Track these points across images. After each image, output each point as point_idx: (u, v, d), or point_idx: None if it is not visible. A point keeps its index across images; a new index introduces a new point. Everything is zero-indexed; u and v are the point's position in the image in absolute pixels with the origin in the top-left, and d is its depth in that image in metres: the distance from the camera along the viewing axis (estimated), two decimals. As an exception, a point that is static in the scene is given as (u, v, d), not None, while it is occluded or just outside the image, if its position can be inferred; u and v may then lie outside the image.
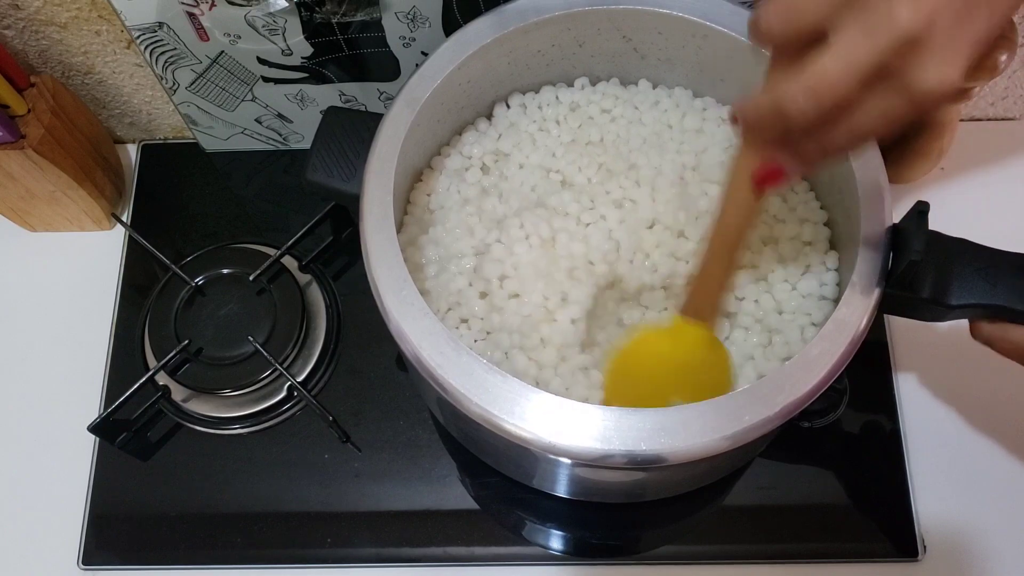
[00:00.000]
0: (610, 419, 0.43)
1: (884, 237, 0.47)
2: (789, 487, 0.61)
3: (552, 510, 0.61)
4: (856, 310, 0.45)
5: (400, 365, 0.65)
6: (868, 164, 0.48)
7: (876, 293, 0.45)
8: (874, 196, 0.48)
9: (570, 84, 0.59)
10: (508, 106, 0.58)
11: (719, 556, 0.60)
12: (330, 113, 0.54)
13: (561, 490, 0.57)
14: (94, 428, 0.62)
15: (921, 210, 0.44)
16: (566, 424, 0.43)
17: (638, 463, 0.43)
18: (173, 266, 0.65)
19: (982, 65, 0.56)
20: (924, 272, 0.45)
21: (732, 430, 0.42)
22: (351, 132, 0.53)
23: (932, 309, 0.46)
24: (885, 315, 0.66)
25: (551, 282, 0.52)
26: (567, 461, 0.45)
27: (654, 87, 0.58)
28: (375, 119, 0.51)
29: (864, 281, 0.46)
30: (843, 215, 0.52)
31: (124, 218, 0.73)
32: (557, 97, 0.58)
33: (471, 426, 0.46)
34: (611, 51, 0.57)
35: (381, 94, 0.67)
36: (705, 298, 0.48)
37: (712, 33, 0.52)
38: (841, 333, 0.45)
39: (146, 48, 0.62)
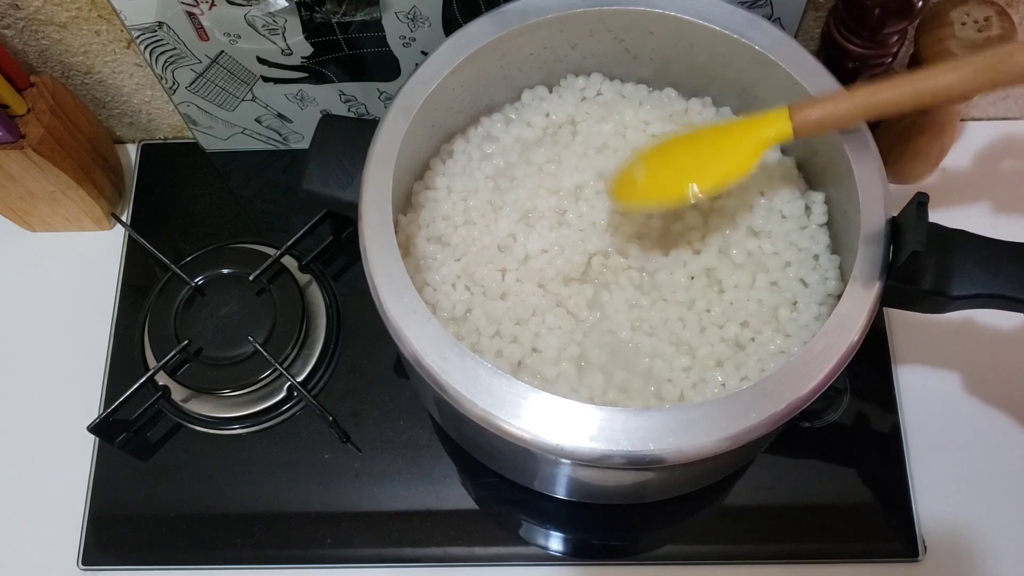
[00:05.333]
0: (610, 419, 0.43)
1: (884, 230, 0.47)
2: (789, 487, 0.61)
3: (552, 510, 0.61)
4: (859, 304, 0.45)
5: (399, 372, 0.65)
6: (865, 157, 0.48)
7: (878, 286, 0.45)
8: (872, 189, 0.48)
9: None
10: (507, 107, 0.58)
11: (719, 556, 0.60)
12: (325, 121, 0.54)
13: (561, 492, 0.57)
14: (94, 428, 0.62)
15: (921, 201, 0.44)
16: (566, 424, 0.43)
17: (637, 463, 0.43)
18: (173, 266, 0.65)
19: (982, 65, 0.56)
20: (925, 264, 0.46)
21: (737, 428, 0.43)
22: (346, 140, 0.53)
23: (933, 300, 0.46)
24: (885, 316, 0.66)
25: (545, 284, 0.52)
26: (567, 462, 0.45)
27: (649, 89, 0.58)
28: (370, 126, 0.51)
29: (865, 274, 0.46)
30: (840, 210, 0.52)
31: (124, 218, 0.73)
32: (560, 96, 0.58)
33: (471, 428, 0.46)
34: (603, 52, 0.56)
35: (381, 94, 0.67)
36: (828, 117, 0.46)
37: (706, 32, 0.52)
38: (845, 328, 0.45)
39: (146, 48, 0.62)
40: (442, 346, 0.45)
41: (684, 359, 0.50)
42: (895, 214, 0.48)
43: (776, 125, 0.47)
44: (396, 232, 0.48)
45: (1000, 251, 0.46)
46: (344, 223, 0.68)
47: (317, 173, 0.52)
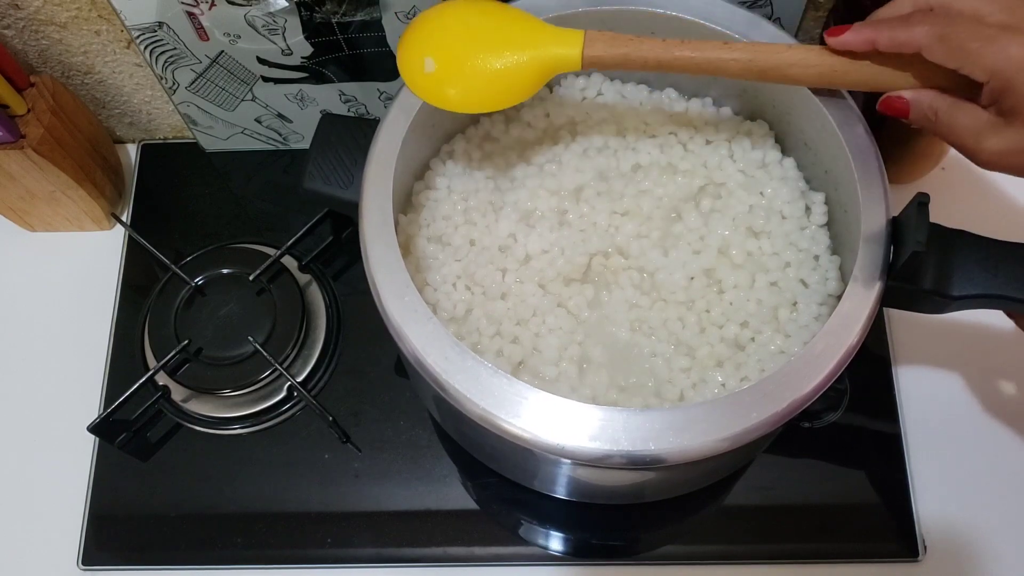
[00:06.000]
0: (610, 419, 0.43)
1: (885, 230, 0.47)
2: (789, 487, 0.61)
3: (552, 510, 0.61)
4: (860, 304, 0.45)
5: (399, 372, 0.65)
6: (867, 157, 0.49)
7: (879, 286, 0.46)
8: (873, 189, 0.48)
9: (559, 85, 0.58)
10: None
11: (719, 556, 0.60)
12: (326, 120, 0.54)
13: (561, 491, 0.57)
14: (94, 428, 0.62)
15: (921, 201, 0.44)
16: (566, 424, 0.43)
17: (638, 463, 0.43)
18: (173, 266, 0.65)
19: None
20: (926, 264, 0.46)
21: (737, 428, 0.43)
22: (347, 139, 0.53)
23: (933, 301, 0.47)
24: (885, 316, 0.66)
25: (546, 281, 0.52)
26: (567, 461, 0.45)
27: (649, 89, 0.58)
28: (371, 125, 0.51)
29: (866, 274, 0.46)
30: (841, 210, 0.52)
31: (124, 218, 0.73)
32: (560, 97, 0.58)
33: (472, 427, 0.46)
34: None
35: (381, 94, 0.67)
36: (622, 60, 0.46)
37: (706, 32, 0.52)
38: (845, 328, 0.45)
39: (146, 48, 0.62)
40: (443, 345, 0.45)
41: (684, 360, 0.50)
42: (896, 214, 0.48)
43: (567, 50, 0.47)
44: (396, 232, 0.48)
45: (1000, 251, 0.46)
46: (344, 223, 0.68)
47: (318, 172, 0.53)
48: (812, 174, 0.55)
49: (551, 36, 0.48)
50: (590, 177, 0.55)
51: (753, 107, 0.56)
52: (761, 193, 0.54)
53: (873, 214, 0.47)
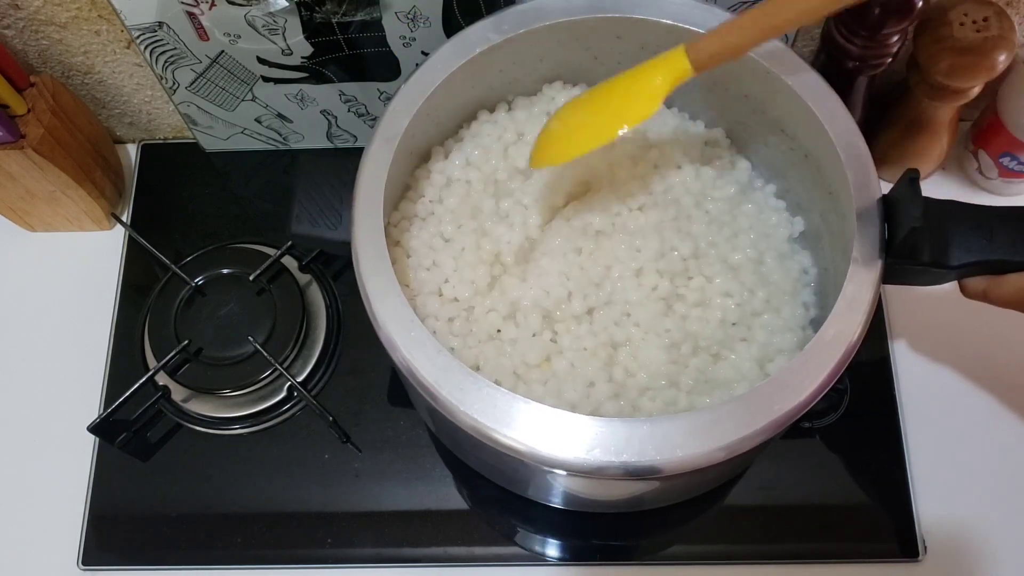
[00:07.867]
0: (605, 429, 0.42)
1: (877, 209, 0.47)
2: (789, 487, 0.61)
3: (552, 511, 0.61)
4: (864, 284, 0.45)
5: (391, 400, 0.65)
6: (849, 138, 0.48)
7: (879, 265, 0.45)
8: (860, 169, 0.48)
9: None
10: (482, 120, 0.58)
11: (720, 556, 0.60)
12: (306, 160, 0.53)
13: (556, 502, 0.57)
14: (94, 428, 0.62)
15: (912, 176, 0.44)
16: (560, 434, 0.42)
17: (635, 474, 0.42)
18: (173, 266, 0.65)
19: (980, 65, 0.56)
20: (923, 238, 0.45)
21: (742, 431, 0.42)
22: (330, 176, 0.52)
23: (933, 273, 0.46)
24: (885, 316, 0.66)
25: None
26: (562, 473, 0.45)
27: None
28: (352, 157, 0.50)
29: (866, 255, 0.45)
30: (825, 192, 0.51)
31: (124, 218, 0.73)
32: (548, 111, 0.58)
33: (467, 440, 0.45)
34: (574, 63, 0.56)
35: (381, 94, 0.67)
36: (721, 50, 0.46)
37: (688, 36, 0.52)
38: (853, 310, 0.44)
39: (146, 48, 0.62)
40: (456, 377, 0.44)
41: (673, 388, 0.50)
42: (884, 193, 0.47)
43: (675, 64, 0.47)
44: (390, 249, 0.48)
45: (991, 216, 0.46)
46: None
47: (305, 215, 0.52)
48: (791, 159, 0.54)
49: (658, 63, 0.48)
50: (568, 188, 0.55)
51: (723, 104, 0.56)
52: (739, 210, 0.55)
53: (863, 193, 0.47)
